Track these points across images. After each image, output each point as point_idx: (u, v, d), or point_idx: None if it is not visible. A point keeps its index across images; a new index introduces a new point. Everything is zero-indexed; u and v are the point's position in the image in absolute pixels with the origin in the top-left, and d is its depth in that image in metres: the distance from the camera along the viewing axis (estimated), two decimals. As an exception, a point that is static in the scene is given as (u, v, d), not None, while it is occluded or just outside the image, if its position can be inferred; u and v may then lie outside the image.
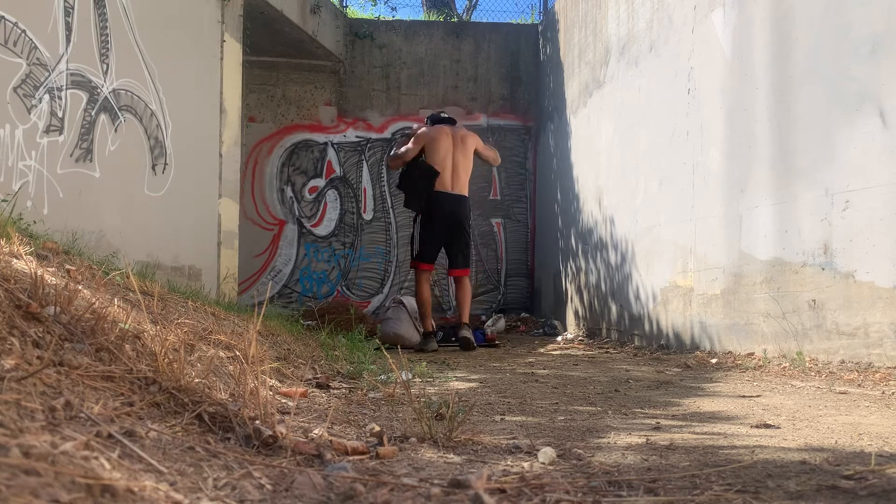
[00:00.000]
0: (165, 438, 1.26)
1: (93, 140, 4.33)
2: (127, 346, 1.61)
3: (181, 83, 5.23)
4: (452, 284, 8.61)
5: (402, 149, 5.72)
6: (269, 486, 1.16)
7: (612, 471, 1.39)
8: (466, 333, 5.40)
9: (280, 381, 2.45)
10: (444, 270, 7.95)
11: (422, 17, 9.87)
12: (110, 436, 1.14)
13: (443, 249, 5.71)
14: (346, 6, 9.00)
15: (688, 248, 4.56)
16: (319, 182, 8.72)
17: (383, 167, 8.79)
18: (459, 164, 5.61)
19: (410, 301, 5.85)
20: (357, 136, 8.76)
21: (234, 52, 5.92)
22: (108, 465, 1.00)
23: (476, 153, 5.74)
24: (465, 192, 5.67)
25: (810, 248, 3.38)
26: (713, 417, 2.18)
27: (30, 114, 3.84)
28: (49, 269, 2.08)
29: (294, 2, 7.19)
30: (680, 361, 4.02)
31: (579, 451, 1.58)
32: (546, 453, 1.51)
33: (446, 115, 5.90)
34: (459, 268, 5.69)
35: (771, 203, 3.69)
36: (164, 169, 5.03)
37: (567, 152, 7.36)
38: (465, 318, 5.61)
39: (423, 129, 5.73)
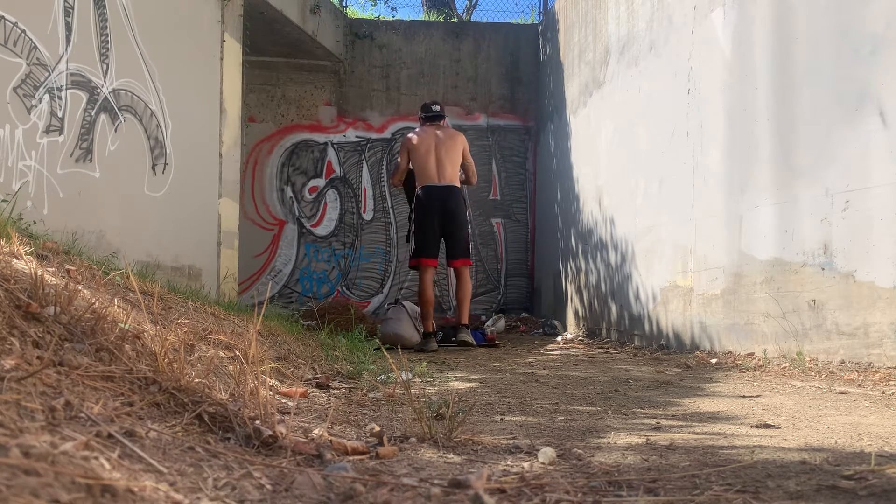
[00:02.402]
0: (165, 438, 1.26)
1: (93, 140, 4.33)
2: (127, 346, 1.61)
3: (181, 83, 5.23)
4: (453, 282, 8.66)
5: (396, 166, 5.85)
6: (269, 486, 1.16)
7: (612, 471, 1.39)
8: (465, 337, 5.36)
9: (280, 381, 2.45)
10: (443, 270, 7.95)
11: (422, 17, 9.87)
12: (110, 436, 1.14)
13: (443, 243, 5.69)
14: (346, 6, 9.00)
15: (688, 248, 4.56)
16: (319, 182, 8.72)
17: (383, 167, 8.79)
18: (444, 156, 5.56)
19: (410, 304, 5.84)
20: (357, 136, 8.76)
21: (234, 52, 5.91)
22: (108, 465, 1.00)
23: (463, 156, 5.72)
24: (455, 183, 5.60)
25: (810, 248, 3.38)
26: (713, 417, 2.18)
27: (30, 114, 3.84)
28: (49, 269, 2.08)
29: (294, 2, 7.19)
30: (680, 361, 4.02)
31: (579, 451, 1.58)
32: (546, 453, 1.51)
33: (437, 110, 5.82)
34: (457, 258, 5.61)
35: (771, 203, 3.69)
36: (164, 169, 5.03)
37: (567, 152, 7.36)
38: (464, 319, 5.54)
39: (409, 135, 5.77)
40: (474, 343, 5.40)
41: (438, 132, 5.66)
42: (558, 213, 7.65)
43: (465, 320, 5.55)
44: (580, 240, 6.78)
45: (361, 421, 1.99)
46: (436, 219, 5.53)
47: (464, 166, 5.73)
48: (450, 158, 5.60)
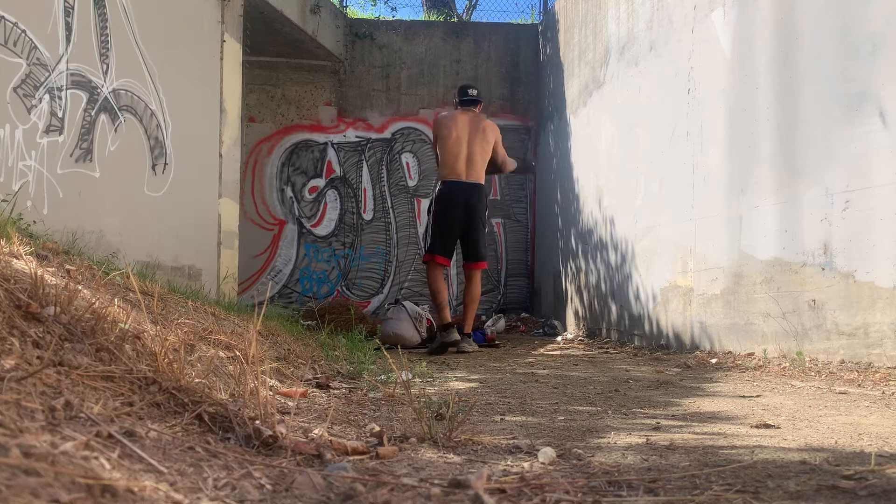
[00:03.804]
0: (165, 438, 1.26)
1: (93, 140, 4.33)
2: (127, 346, 1.61)
3: (181, 83, 5.23)
4: (454, 283, 8.64)
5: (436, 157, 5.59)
6: (269, 486, 1.16)
7: (612, 471, 1.39)
8: (466, 347, 5.08)
9: (280, 381, 2.45)
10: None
11: (422, 17, 9.87)
12: (110, 436, 1.14)
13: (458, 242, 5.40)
14: (346, 6, 9.00)
15: (688, 248, 4.56)
16: (319, 182, 8.72)
17: (383, 167, 8.79)
18: (476, 151, 5.28)
19: (410, 304, 5.83)
20: (357, 136, 8.76)
21: (234, 52, 5.91)
22: (108, 465, 1.00)
23: (494, 148, 5.42)
24: (482, 180, 5.34)
25: (810, 248, 3.38)
26: (713, 417, 2.18)
27: (30, 114, 3.84)
28: (49, 269, 2.08)
29: (294, 2, 7.19)
30: (680, 361, 4.02)
31: (579, 451, 1.58)
32: (546, 453, 1.51)
33: (474, 94, 5.49)
34: (476, 260, 5.36)
35: (771, 203, 3.69)
36: (164, 169, 5.03)
37: (567, 152, 7.36)
38: (468, 328, 5.26)
39: (439, 117, 5.46)
40: (476, 349, 5.21)
41: (472, 122, 5.36)
42: (558, 213, 7.65)
43: (469, 328, 5.29)
44: (580, 240, 6.78)
45: (361, 421, 1.99)
46: (458, 217, 5.27)
47: (500, 158, 5.46)
48: (481, 153, 5.32)
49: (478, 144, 5.30)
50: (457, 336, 5.03)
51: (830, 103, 3.29)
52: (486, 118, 5.51)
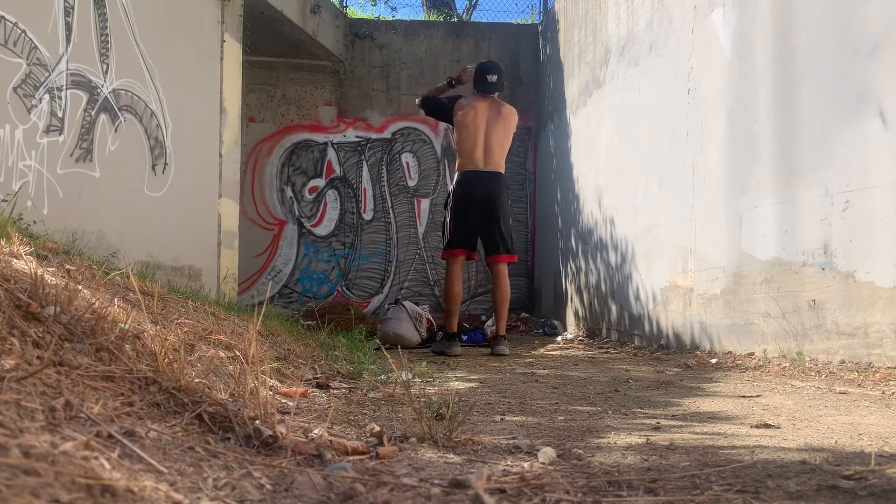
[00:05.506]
0: (165, 438, 1.26)
1: (93, 140, 4.33)
2: (127, 346, 1.61)
3: (181, 83, 5.23)
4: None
5: (434, 93, 5.34)
6: (269, 486, 1.16)
7: (612, 471, 1.39)
8: (504, 350, 4.75)
9: (280, 381, 2.45)
10: (440, 264, 7.93)
11: (422, 17, 9.88)
12: (110, 436, 1.14)
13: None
14: (346, 6, 9.00)
15: (688, 248, 4.56)
16: (319, 182, 8.72)
17: (383, 167, 8.79)
18: (493, 140, 5.00)
19: (410, 303, 5.83)
20: (357, 136, 8.76)
21: (234, 52, 5.91)
22: (108, 465, 1.00)
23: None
24: (501, 169, 5.06)
25: (810, 248, 3.38)
26: (713, 417, 2.18)
27: (30, 114, 3.84)
28: (49, 269, 2.08)
29: (294, 2, 7.19)
30: (680, 361, 4.02)
31: (579, 451, 1.58)
32: (546, 453, 1.51)
33: (493, 80, 5.14)
34: (500, 253, 5.02)
35: (771, 203, 3.69)
36: (164, 169, 5.03)
37: (567, 152, 7.36)
38: (502, 329, 4.93)
39: (460, 101, 5.17)
40: (510, 352, 4.89)
41: (492, 110, 5.07)
42: (558, 213, 7.65)
43: (503, 330, 4.95)
44: (580, 240, 6.78)
45: (361, 421, 1.99)
46: (477, 208, 4.99)
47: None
48: (499, 142, 5.04)
49: (496, 132, 5.02)
50: (459, 351, 4.82)
51: (830, 103, 3.29)
52: (505, 103, 5.25)
